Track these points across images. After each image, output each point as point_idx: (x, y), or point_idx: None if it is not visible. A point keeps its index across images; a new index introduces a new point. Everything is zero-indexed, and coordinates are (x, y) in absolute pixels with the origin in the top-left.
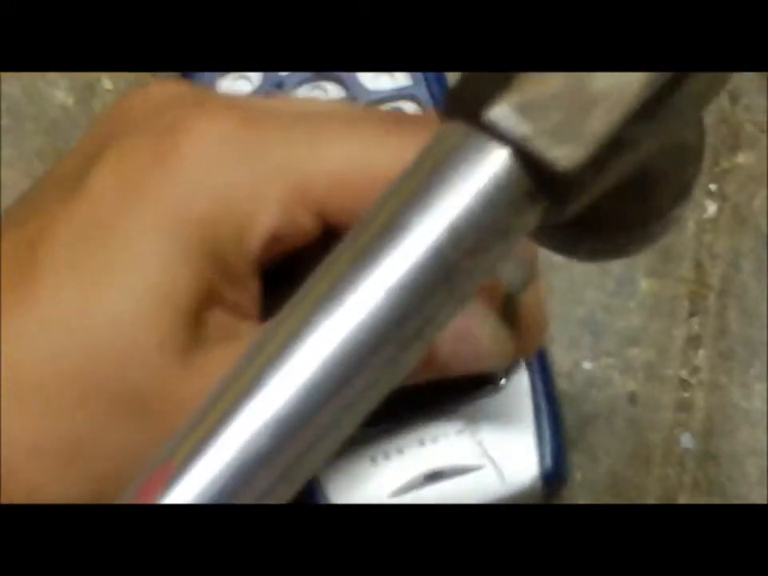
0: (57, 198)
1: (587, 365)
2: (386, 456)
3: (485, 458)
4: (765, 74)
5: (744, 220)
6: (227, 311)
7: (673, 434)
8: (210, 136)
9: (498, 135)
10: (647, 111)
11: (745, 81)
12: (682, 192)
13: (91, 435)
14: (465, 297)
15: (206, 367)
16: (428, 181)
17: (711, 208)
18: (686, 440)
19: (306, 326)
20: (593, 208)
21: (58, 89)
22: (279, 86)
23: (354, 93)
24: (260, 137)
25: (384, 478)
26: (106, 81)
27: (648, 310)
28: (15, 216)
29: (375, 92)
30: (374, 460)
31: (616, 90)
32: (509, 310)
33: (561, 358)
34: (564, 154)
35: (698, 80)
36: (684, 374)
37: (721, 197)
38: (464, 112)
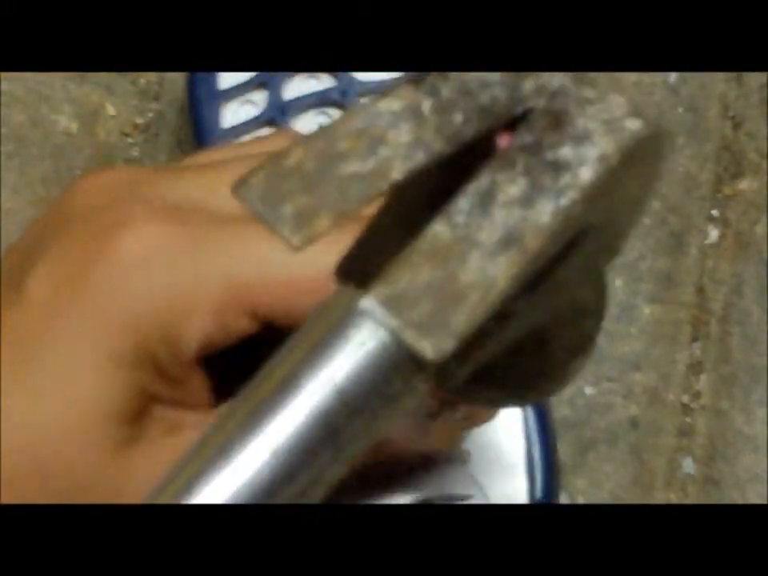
0: (2, 299)
1: (589, 390)
2: (376, 480)
3: (474, 487)
4: (767, 101)
5: (746, 246)
6: (169, 406)
7: (675, 459)
8: (143, 241)
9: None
10: (523, 296)
11: (747, 108)
12: (580, 346)
13: None
14: (352, 457)
15: (148, 460)
16: (317, 346)
17: (713, 234)
18: (688, 465)
19: (193, 484)
20: (492, 362)
21: (62, 114)
22: (283, 111)
23: None
24: (193, 240)
25: (372, 503)
26: (110, 107)
27: (650, 336)
28: None
29: None
30: (362, 484)
31: (483, 282)
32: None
33: None
34: (431, 345)
35: (568, 266)
36: (686, 399)
37: (723, 223)
38: (353, 282)
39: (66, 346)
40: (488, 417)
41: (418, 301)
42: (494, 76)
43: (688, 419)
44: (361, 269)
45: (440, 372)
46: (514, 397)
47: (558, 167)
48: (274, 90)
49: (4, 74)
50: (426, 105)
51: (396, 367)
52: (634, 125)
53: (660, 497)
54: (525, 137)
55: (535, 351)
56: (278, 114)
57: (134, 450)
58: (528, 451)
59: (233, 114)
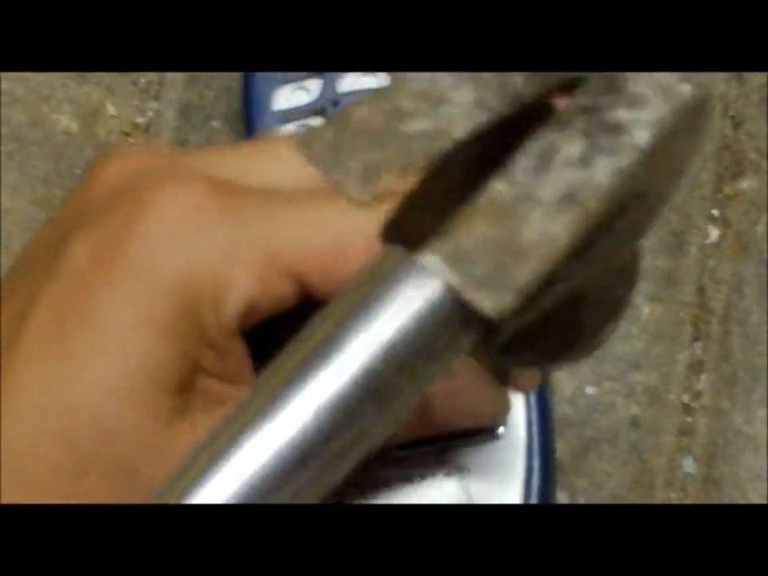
0: (38, 275)
1: (590, 389)
2: (374, 486)
3: (463, 500)
4: (767, 100)
5: (747, 246)
6: (212, 377)
7: (675, 459)
8: (181, 205)
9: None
10: (576, 257)
11: (747, 107)
12: (614, 309)
13: None
14: (396, 415)
15: (193, 432)
16: (364, 302)
17: (714, 233)
18: (689, 464)
19: (234, 442)
20: (529, 326)
21: (62, 114)
22: (335, 103)
23: None
24: (232, 205)
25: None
26: (110, 106)
27: (651, 335)
28: (6, 289)
29: None
30: (360, 489)
31: (545, 239)
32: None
33: (564, 383)
34: (492, 303)
35: (625, 222)
36: (686, 398)
37: (723, 222)
38: (402, 242)
39: (108, 316)
40: (533, 384)
41: (480, 257)
42: None
43: (689, 419)
44: (409, 230)
45: (490, 331)
46: (547, 360)
47: (616, 128)
48: (329, 80)
49: (4, 74)
50: None
51: (445, 325)
52: (686, 88)
53: (660, 496)
54: (582, 98)
55: (571, 314)
56: (329, 105)
57: (180, 421)
58: (527, 468)
59: (286, 98)
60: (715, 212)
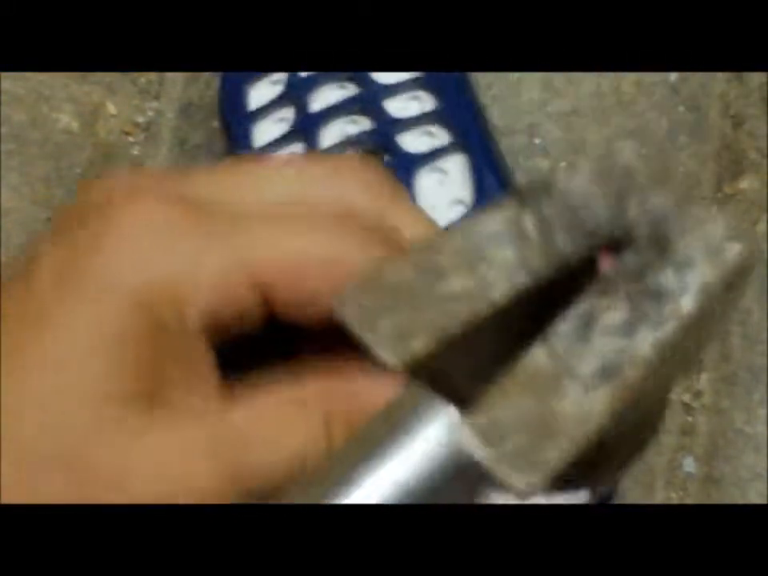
0: (11, 292)
1: None
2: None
3: None
4: (767, 100)
5: None
6: (180, 390)
7: (676, 458)
8: (147, 220)
9: None
10: (610, 429)
11: (748, 107)
12: (638, 448)
13: None
14: None
15: (158, 444)
16: (383, 443)
17: None
18: (689, 464)
19: None
20: None
21: (62, 113)
22: (312, 122)
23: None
24: (201, 220)
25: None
26: (111, 106)
27: None
28: None
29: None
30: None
31: (580, 417)
32: None
33: None
34: (522, 480)
35: (653, 390)
36: (687, 398)
37: None
38: (426, 386)
39: (69, 328)
40: None
41: (513, 432)
42: (597, 194)
43: (689, 418)
44: (443, 378)
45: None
46: (570, 487)
47: (660, 295)
48: (300, 103)
49: (4, 74)
50: (529, 223)
51: (462, 475)
52: (734, 248)
53: (661, 496)
54: (628, 262)
55: (595, 456)
56: (307, 126)
57: (143, 432)
58: None
59: (264, 132)
60: None
